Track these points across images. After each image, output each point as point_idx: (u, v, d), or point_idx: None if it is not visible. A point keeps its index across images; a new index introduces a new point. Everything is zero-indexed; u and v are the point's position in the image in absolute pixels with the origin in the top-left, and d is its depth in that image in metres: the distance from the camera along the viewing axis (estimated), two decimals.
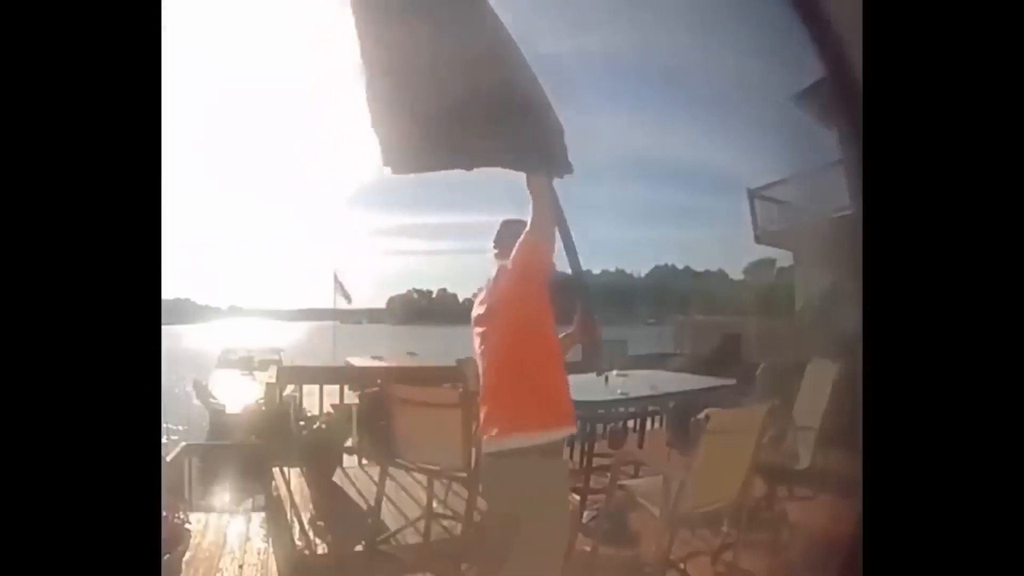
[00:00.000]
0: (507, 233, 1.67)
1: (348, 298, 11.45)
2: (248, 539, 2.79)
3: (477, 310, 1.69)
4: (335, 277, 11.52)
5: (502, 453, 1.53)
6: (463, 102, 1.63)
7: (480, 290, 1.73)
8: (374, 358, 10.93)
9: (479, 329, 1.66)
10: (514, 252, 1.56)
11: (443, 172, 1.65)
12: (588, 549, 2.26)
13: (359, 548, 2.42)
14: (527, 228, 1.55)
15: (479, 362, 1.65)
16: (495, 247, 1.73)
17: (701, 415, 1.96)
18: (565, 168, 1.56)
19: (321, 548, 2.60)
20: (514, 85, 1.68)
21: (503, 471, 1.55)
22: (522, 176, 1.56)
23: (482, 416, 1.60)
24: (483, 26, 1.72)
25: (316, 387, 4.07)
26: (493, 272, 1.68)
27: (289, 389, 4.01)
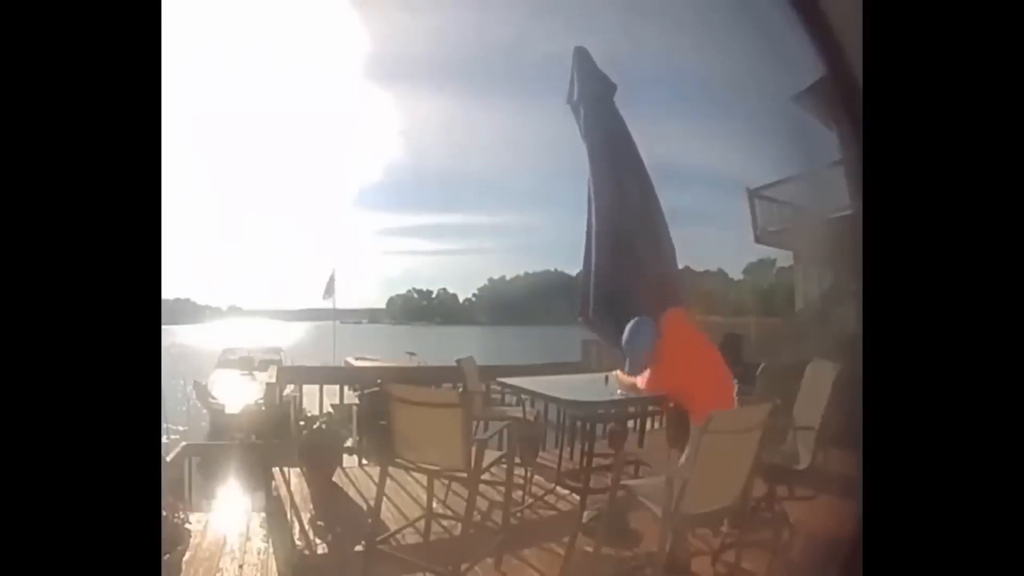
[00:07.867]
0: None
1: (331, 295, 11.36)
2: (248, 539, 2.78)
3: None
4: (332, 277, 11.48)
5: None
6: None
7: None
8: (358, 359, 10.84)
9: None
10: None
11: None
12: (590, 549, 2.25)
13: (359, 548, 2.42)
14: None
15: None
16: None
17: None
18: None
19: (321, 548, 2.60)
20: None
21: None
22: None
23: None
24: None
25: (316, 387, 4.08)
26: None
27: (289, 389, 4.02)
